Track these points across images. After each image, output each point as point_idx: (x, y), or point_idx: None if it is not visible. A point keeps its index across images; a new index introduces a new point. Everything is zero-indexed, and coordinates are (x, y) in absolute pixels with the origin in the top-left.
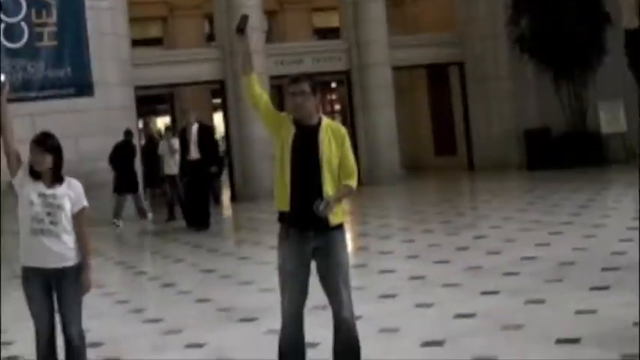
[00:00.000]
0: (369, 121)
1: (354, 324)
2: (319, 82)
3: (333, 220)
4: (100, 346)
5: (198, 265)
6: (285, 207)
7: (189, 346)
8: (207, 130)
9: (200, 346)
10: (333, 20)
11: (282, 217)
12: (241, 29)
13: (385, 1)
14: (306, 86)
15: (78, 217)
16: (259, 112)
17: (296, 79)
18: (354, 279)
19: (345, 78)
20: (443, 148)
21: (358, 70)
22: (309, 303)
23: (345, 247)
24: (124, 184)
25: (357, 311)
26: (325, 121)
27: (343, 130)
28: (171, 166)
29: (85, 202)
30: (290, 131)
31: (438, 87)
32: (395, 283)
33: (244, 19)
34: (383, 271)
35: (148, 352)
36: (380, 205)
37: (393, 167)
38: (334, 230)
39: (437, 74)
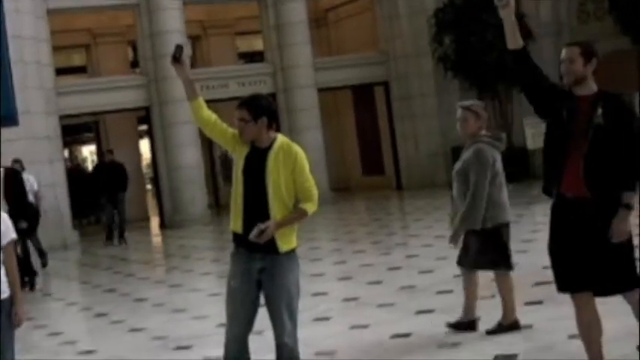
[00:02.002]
0: (297, 144)
1: (296, 351)
2: (266, 105)
3: (283, 245)
4: None
5: (130, 294)
6: (238, 228)
7: None
8: (13, 176)
9: None
10: (257, 44)
11: (235, 237)
12: (176, 58)
13: (308, 23)
14: (244, 113)
15: (7, 250)
16: (210, 135)
17: (239, 104)
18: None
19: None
20: (370, 168)
21: (284, 92)
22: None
23: (293, 272)
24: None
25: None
26: (279, 142)
27: (295, 150)
28: None
29: (13, 235)
30: (243, 152)
31: (363, 107)
32: (329, 306)
33: (179, 48)
34: (316, 294)
35: None
36: (309, 227)
37: (322, 189)
38: (282, 255)
39: (362, 94)
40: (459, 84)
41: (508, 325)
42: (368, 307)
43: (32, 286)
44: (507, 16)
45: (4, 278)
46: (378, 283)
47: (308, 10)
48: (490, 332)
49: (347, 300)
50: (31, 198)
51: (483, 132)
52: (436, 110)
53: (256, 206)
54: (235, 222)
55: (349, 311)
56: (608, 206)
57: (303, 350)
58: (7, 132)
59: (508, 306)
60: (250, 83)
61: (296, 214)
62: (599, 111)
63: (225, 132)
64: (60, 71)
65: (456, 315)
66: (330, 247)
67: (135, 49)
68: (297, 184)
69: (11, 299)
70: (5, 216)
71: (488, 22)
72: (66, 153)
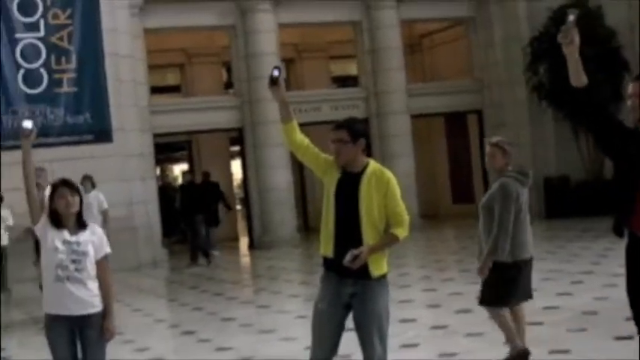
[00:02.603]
0: (388, 169)
1: None
2: (363, 128)
3: (374, 271)
4: None
5: (217, 313)
6: (329, 253)
7: None
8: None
9: None
10: (351, 68)
11: (325, 261)
12: (274, 80)
13: (403, 48)
14: (344, 134)
15: (101, 264)
16: (302, 159)
17: (337, 125)
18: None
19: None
20: (460, 196)
21: (376, 118)
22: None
23: (383, 297)
24: None
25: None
26: (371, 167)
27: (387, 175)
28: None
29: (107, 249)
30: (334, 177)
31: (456, 134)
32: (417, 332)
33: (277, 70)
34: (404, 320)
35: None
36: (398, 253)
37: (411, 215)
38: (374, 281)
39: (455, 121)
40: (552, 114)
41: (516, 355)
42: (456, 336)
43: None
44: (571, 53)
45: (97, 292)
46: (468, 311)
47: (403, 35)
48: None
49: (435, 327)
50: (95, 216)
51: (510, 167)
52: (529, 140)
53: (348, 231)
54: (326, 246)
55: (437, 339)
56: None
57: None
58: (101, 148)
59: (510, 338)
60: (343, 107)
61: (387, 240)
62: None
63: (317, 156)
64: (154, 90)
65: (545, 347)
66: (418, 274)
67: (229, 70)
68: (389, 208)
69: (103, 313)
70: (101, 231)
71: (583, 52)
72: (157, 171)
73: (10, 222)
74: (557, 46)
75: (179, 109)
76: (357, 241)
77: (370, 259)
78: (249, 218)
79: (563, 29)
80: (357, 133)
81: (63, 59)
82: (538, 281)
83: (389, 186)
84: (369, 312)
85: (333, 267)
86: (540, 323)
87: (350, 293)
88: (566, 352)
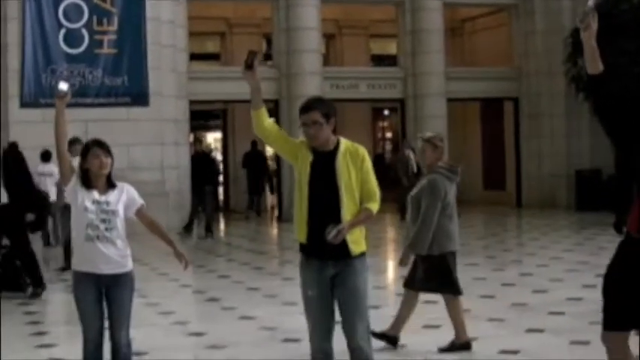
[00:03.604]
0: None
1: (370, 353)
2: (331, 106)
3: (355, 249)
4: (144, 355)
5: (243, 282)
6: (302, 238)
7: None
8: (12, 158)
9: None
10: (390, 47)
11: (302, 247)
12: (250, 65)
13: (444, 32)
14: (317, 115)
15: (140, 213)
16: (271, 145)
17: (306, 107)
18: (398, 307)
19: (399, 106)
20: (492, 182)
21: (413, 99)
22: None
23: (363, 275)
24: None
25: (401, 340)
26: (343, 144)
27: (362, 150)
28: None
29: (140, 201)
30: (307, 159)
31: (491, 121)
32: (439, 315)
33: (252, 54)
34: (427, 302)
35: None
36: None
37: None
38: (355, 259)
39: (491, 108)
40: (589, 107)
41: (460, 345)
42: (478, 320)
43: (35, 294)
44: (587, 39)
45: (126, 252)
46: (491, 297)
47: (444, 18)
48: (442, 350)
49: None
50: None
51: (441, 163)
52: (564, 131)
53: (324, 212)
54: (300, 232)
55: None
56: None
57: (410, 357)
58: (137, 112)
59: (459, 327)
60: (380, 86)
61: (364, 215)
62: None
63: (286, 140)
64: (194, 57)
65: (566, 337)
66: None
67: (269, 42)
68: (363, 182)
69: (132, 274)
70: (131, 188)
71: (624, 47)
72: (191, 138)
73: (57, 178)
74: (599, 39)
75: (217, 77)
76: (336, 221)
77: (350, 238)
78: (279, 190)
79: (582, 14)
80: (329, 112)
81: (105, 21)
82: (563, 272)
83: (364, 160)
84: (349, 290)
85: (312, 252)
86: (562, 313)
87: (332, 274)
88: (586, 343)
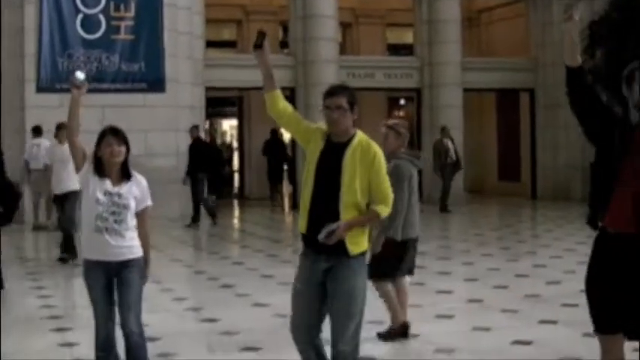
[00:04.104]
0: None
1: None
2: (356, 95)
3: (353, 249)
4: (158, 340)
5: (257, 269)
6: (302, 228)
7: (245, 349)
8: None
9: (255, 349)
10: (406, 37)
11: (303, 237)
12: (259, 45)
13: (461, 22)
14: (343, 101)
15: (141, 216)
16: (285, 127)
17: (332, 91)
18: (413, 297)
19: (415, 96)
20: (507, 173)
21: (429, 88)
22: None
23: (360, 278)
24: None
25: (414, 329)
26: (358, 138)
27: (374, 148)
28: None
29: (149, 202)
30: (318, 147)
31: (507, 111)
32: (452, 305)
33: (261, 35)
34: (440, 292)
35: (203, 352)
36: (441, 226)
37: (457, 189)
38: (351, 258)
39: (507, 99)
40: (606, 99)
41: (399, 328)
42: (491, 311)
43: None
44: (568, 30)
45: (134, 242)
46: (504, 288)
47: (462, 8)
48: (381, 336)
49: (471, 301)
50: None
51: (403, 150)
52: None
53: (324, 206)
54: (302, 221)
55: (472, 312)
56: None
57: (422, 345)
58: (153, 98)
59: (394, 311)
60: (396, 75)
61: (368, 216)
62: None
63: (300, 123)
64: (210, 44)
65: (579, 329)
66: (459, 248)
67: (286, 29)
68: (374, 184)
69: (142, 259)
70: (145, 182)
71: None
72: (207, 125)
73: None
74: (617, 32)
75: (233, 65)
76: (334, 217)
77: (348, 235)
78: (293, 178)
79: (566, 5)
80: (353, 101)
81: (122, 6)
82: (576, 264)
83: (375, 160)
84: (340, 292)
85: (309, 243)
86: (575, 305)
87: (324, 269)
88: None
